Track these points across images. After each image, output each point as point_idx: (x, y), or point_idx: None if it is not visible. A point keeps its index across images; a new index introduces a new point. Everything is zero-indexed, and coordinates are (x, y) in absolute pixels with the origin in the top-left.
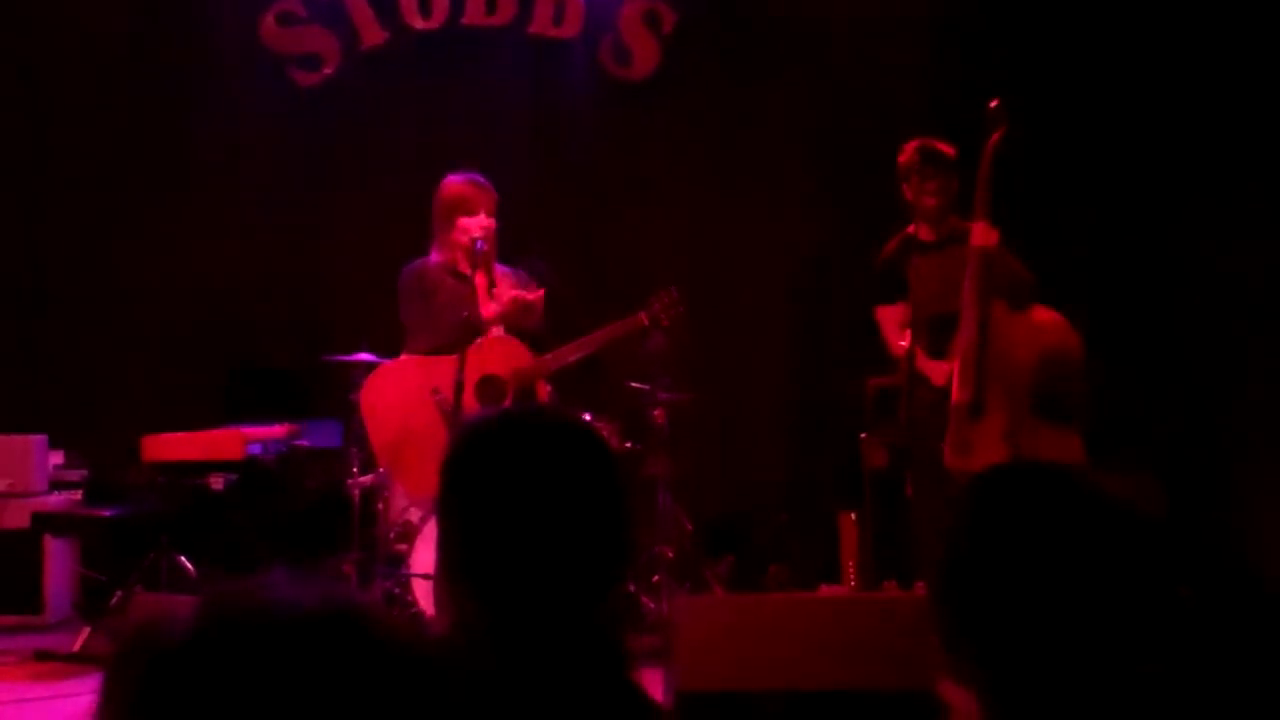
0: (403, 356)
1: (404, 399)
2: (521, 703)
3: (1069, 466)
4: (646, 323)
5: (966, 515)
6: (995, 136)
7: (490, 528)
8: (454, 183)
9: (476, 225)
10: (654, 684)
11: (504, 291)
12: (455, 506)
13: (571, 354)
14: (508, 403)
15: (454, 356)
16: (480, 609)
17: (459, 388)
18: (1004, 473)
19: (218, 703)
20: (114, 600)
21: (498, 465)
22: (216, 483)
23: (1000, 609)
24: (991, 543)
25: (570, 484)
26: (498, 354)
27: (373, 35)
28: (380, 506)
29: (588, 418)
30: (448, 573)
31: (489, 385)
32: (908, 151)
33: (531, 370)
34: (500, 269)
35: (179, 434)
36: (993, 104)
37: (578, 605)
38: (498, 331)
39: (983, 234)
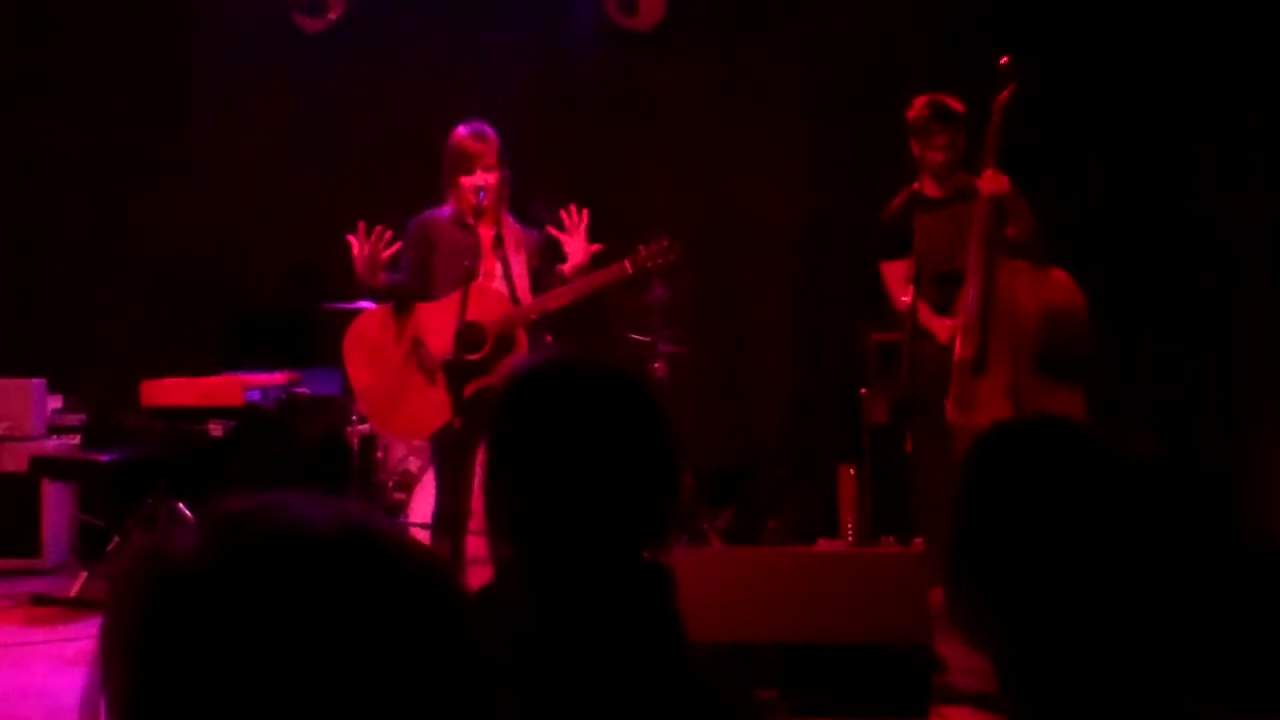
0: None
1: (384, 345)
2: (564, 643)
3: (1074, 419)
4: (630, 271)
5: (976, 469)
6: (1005, 93)
7: (539, 472)
8: (456, 137)
9: (473, 184)
10: None
11: (577, 248)
12: (504, 451)
13: (552, 302)
14: (487, 350)
15: (438, 304)
16: (525, 551)
17: (460, 334)
18: (1012, 426)
19: (230, 624)
20: (112, 545)
21: (546, 410)
22: (215, 429)
23: (1011, 562)
24: (1002, 496)
25: (618, 426)
26: (479, 302)
27: None
28: (379, 455)
29: None
30: (492, 516)
31: (469, 332)
32: (916, 106)
33: (511, 318)
34: (515, 229)
35: (178, 379)
36: (1003, 60)
37: (626, 545)
38: (489, 281)
39: (992, 180)
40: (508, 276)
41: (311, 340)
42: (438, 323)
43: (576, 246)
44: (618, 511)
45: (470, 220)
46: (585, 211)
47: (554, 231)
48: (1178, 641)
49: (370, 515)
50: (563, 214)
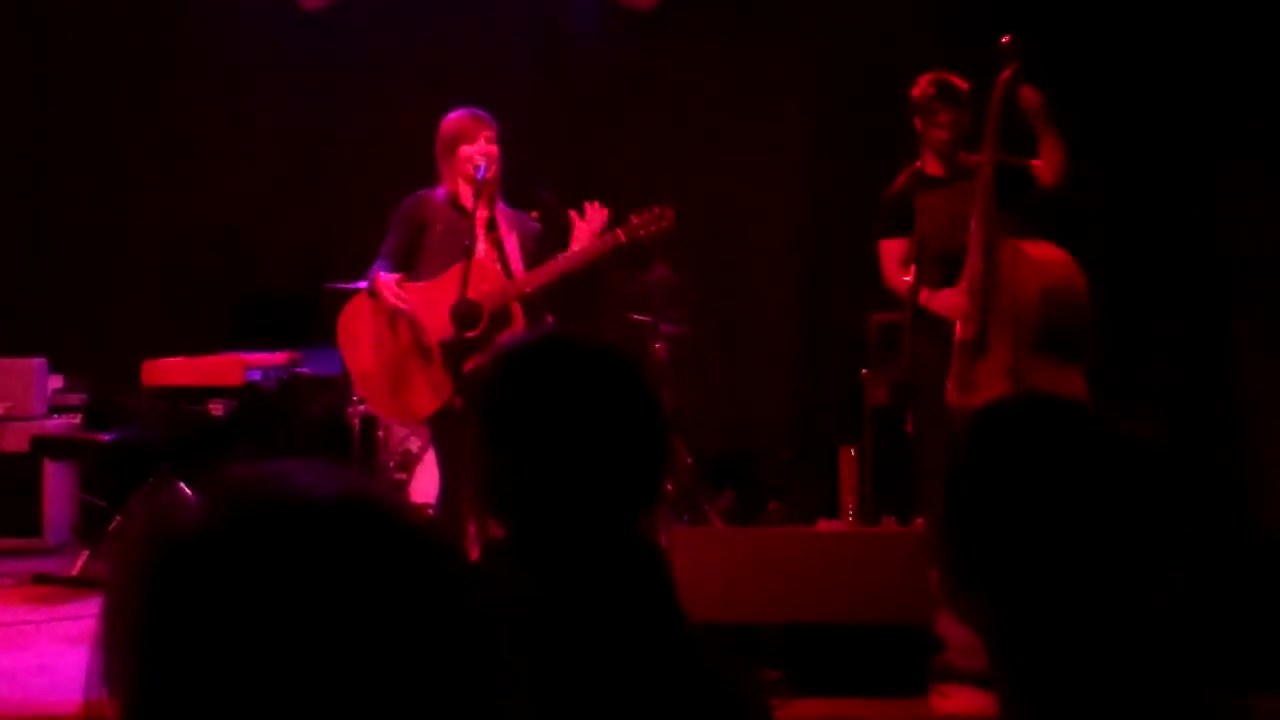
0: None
1: (379, 328)
2: (559, 622)
3: (1069, 399)
4: (624, 239)
5: (970, 446)
6: (1007, 72)
7: (529, 449)
8: (454, 116)
9: (478, 152)
10: None
11: (584, 237)
12: (490, 426)
13: (546, 275)
14: (482, 326)
15: (431, 283)
16: (517, 529)
17: (457, 311)
18: (1006, 404)
19: (235, 591)
20: (113, 525)
21: (536, 386)
22: (216, 409)
23: (1004, 541)
24: (995, 474)
25: (607, 402)
26: (473, 279)
27: None
28: (380, 435)
29: None
30: (482, 494)
31: (464, 308)
32: (921, 84)
33: (505, 291)
34: (503, 209)
35: (179, 359)
36: (1005, 39)
37: (617, 521)
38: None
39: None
40: (502, 259)
41: (312, 320)
42: (432, 303)
43: (584, 236)
44: (606, 484)
45: (467, 202)
46: (605, 211)
47: (573, 215)
48: (1176, 621)
49: (370, 483)
50: (586, 205)
